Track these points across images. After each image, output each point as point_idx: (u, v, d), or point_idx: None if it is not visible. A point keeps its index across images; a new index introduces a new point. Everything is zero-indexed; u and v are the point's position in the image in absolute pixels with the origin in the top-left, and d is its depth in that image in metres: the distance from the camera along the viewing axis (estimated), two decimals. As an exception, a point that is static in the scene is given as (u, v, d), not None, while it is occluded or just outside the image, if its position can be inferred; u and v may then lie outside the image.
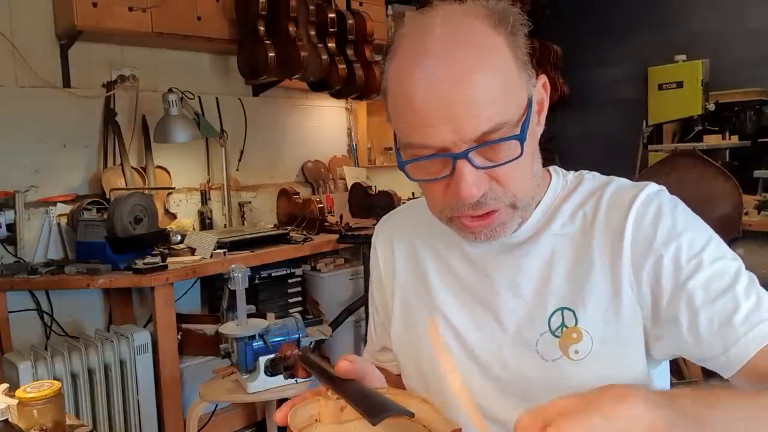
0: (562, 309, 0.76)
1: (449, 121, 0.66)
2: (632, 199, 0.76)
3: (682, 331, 0.70)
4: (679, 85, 4.11)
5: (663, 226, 0.73)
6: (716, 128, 4.10)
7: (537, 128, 0.76)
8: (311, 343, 2.14)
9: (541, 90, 0.77)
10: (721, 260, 0.71)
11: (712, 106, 4.03)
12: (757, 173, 3.51)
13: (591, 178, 0.83)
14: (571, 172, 0.86)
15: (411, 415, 0.60)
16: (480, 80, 0.66)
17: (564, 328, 0.75)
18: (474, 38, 0.68)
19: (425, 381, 0.86)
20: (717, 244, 0.73)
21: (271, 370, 1.93)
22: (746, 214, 2.93)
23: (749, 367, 0.66)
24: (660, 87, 4.23)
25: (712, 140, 4.02)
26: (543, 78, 0.78)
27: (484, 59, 0.67)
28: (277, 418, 0.63)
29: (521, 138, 0.69)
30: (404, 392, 0.69)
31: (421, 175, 0.73)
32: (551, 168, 0.85)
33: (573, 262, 0.77)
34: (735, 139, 3.99)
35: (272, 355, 1.95)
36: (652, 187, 0.78)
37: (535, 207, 0.81)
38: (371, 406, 0.60)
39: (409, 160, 0.71)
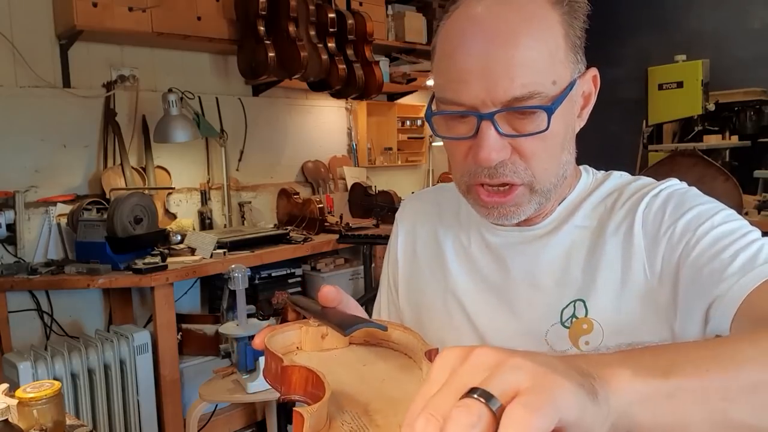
0: (574, 301, 0.75)
1: (483, 79, 0.67)
2: (648, 191, 0.76)
3: (702, 273, 0.66)
4: (679, 85, 4.12)
5: (672, 204, 0.73)
6: (716, 128, 4.11)
7: (576, 120, 0.76)
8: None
9: (590, 83, 0.77)
10: (736, 221, 0.69)
11: (712, 106, 4.03)
12: (757, 173, 3.51)
13: (618, 177, 0.83)
14: (602, 171, 0.86)
15: (384, 329, 0.60)
16: (523, 44, 0.66)
17: (574, 319, 0.75)
18: (528, 6, 0.68)
19: None
20: (731, 212, 0.71)
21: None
22: (746, 214, 2.93)
23: (748, 305, 0.61)
24: (660, 87, 4.23)
25: (712, 140, 4.03)
26: (593, 71, 0.77)
27: (532, 26, 0.67)
28: (255, 342, 0.62)
29: (549, 110, 0.67)
30: (386, 320, 0.69)
31: (446, 132, 0.73)
32: (582, 167, 0.85)
33: (588, 254, 0.76)
34: (735, 139, 4.00)
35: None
36: (671, 181, 0.78)
37: (560, 202, 0.81)
38: (345, 321, 0.60)
39: (437, 112, 0.72)
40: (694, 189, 0.76)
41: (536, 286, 0.78)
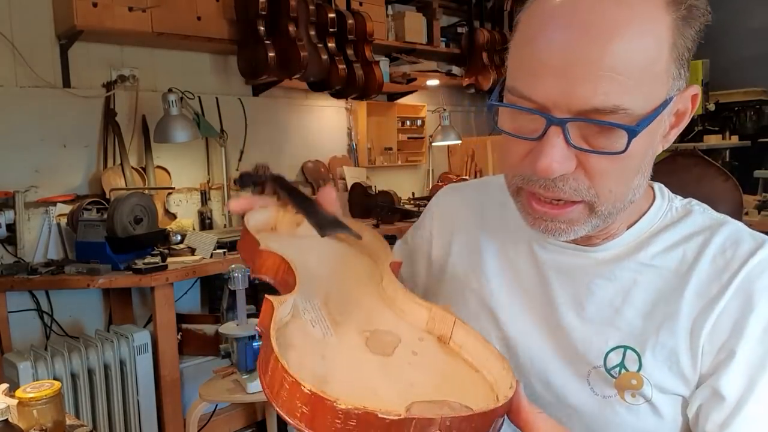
0: (625, 348, 0.66)
1: (561, 77, 0.56)
2: (747, 256, 0.65)
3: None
4: (679, 85, 4.11)
5: (762, 314, 0.62)
6: (716, 128, 4.11)
7: (661, 142, 0.64)
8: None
9: (687, 101, 0.65)
10: None
11: (712, 106, 4.03)
12: (757, 173, 3.52)
13: (701, 212, 0.71)
14: (678, 197, 0.74)
15: (358, 237, 0.61)
16: (617, 49, 0.55)
17: (623, 370, 0.66)
18: (636, 3, 0.56)
19: None
20: None
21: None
22: (746, 214, 2.93)
23: None
24: (660, 87, 4.23)
25: (712, 140, 4.03)
26: (694, 89, 0.65)
27: (632, 26, 0.56)
28: (230, 205, 0.65)
29: (632, 132, 0.56)
30: (362, 223, 0.71)
31: (509, 125, 0.63)
32: (656, 186, 0.74)
33: (655, 301, 0.67)
34: (735, 139, 4.01)
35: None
36: None
37: (629, 227, 0.70)
38: (324, 221, 0.61)
39: (503, 104, 0.63)
40: None
41: (581, 317, 0.69)
